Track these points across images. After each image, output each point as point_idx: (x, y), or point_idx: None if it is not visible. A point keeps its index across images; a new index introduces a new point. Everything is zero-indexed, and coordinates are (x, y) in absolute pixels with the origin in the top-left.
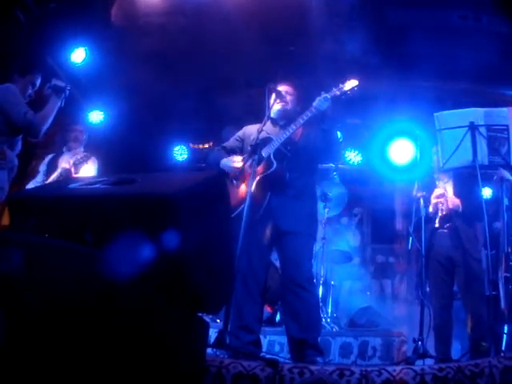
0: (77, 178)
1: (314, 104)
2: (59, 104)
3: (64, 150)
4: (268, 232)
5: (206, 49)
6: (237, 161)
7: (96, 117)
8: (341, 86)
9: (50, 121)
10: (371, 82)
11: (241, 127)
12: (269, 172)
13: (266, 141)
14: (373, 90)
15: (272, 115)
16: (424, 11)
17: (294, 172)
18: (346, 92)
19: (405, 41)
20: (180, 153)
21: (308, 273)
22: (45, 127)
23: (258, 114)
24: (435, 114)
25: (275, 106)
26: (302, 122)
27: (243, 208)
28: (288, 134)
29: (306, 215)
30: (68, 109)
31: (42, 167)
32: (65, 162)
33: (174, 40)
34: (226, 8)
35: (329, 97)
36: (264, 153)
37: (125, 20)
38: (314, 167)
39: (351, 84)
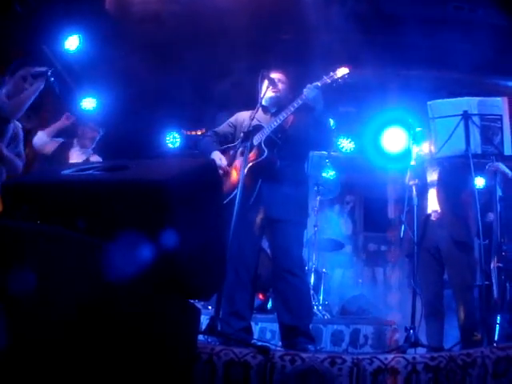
0: (70, 164)
1: (304, 92)
2: (40, 88)
3: (75, 142)
4: (258, 219)
5: (200, 36)
6: (222, 159)
7: (89, 104)
8: (331, 74)
9: (24, 107)
10: (365, 70)
11: (234, 114)
12: (260, 159)
13: (257, 128)
14: (367, 78)
15: (264, 103)
16: (419, 1)
17: (284, 159)
18: (336, 80)
19: (400, 30)
20: (173, 140)
21: (299, 259)
22: (18, 113)
23: (251, 100)
24: (428, 103)
25: (267, 94)
26: (292, 109)
27: (234, 195)
28: (279, 121)
29: (296, 203)
30: (62, 96)
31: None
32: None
33: (168, 27)
34: None
35: (319, 85)
36: (255, 140)
37: (118, 7)
38: (305, 154)
39: (342, 72)
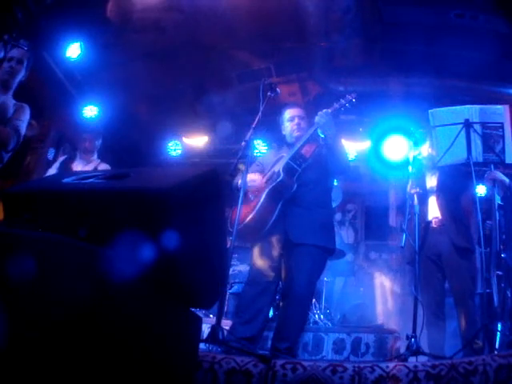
0: (71, 172)
1: (316, 119)
2: None
3: (78, 156)
4: (279, 241)
5: (201, 44)
6: (253, 178)
7: (90, 112)
8: (341, 100)
9: None
10: (367, 78)
11: (234, 122)
12: (275, 183)
13: (280, 159)
14: (368, 86)
15: (288, 140)
16: (421, 9)
17: (305, 185)
18: (344, 105)
19: (401, 38)
20: (174, 148)
21: (306, 287)
22: None
23: (251, 109)
24: (430, 111)
25: (290, 133)
26: (307, 137)
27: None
28: (296, 149)
29: (317, 227)
30: (63, 103)
31: (52, 171)
32: None
33: (169, 35)
34: (222, 4)
35: (330, 111)
36: (276, 167)
37: (120, 15)
38: (328, 180)
39: (350, 97)
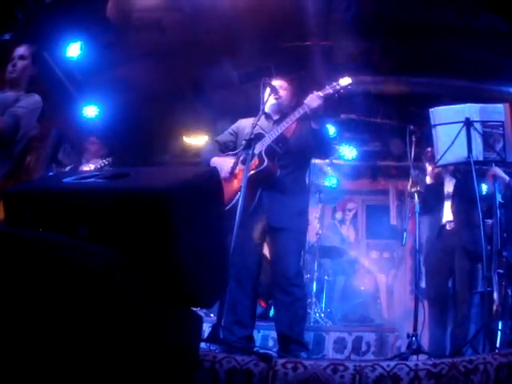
0: (71, 171)
1: (306, 101)
2: None
3: (83, 161)
4: (259, 227)
5: (202, 44)
6: (228, 165)
7: (91, 111)
8: (334, 83)
9: None
10: (367, 77)
11: (235, 121)
12: (260, 169)
13: (259, 136)
14: (369, 85)
15: (266, 110)
16: (421, 7)
17: (284, 168)
18: (339, 90)
19: (402, 37)
20: (174, 147)
21: (296, 267)
22: None
23: (252, 108)
24: (431, 110)
25: (269, 101)
26: (293, 119)
27: (234, 203)
28: (280, 130)
29: (295, 212)
30: (64, 103)
31: None
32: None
33: (169, 35)
34: (222, 3)
35: (321, 94)
36: (256, 149)
37: (120, 15)
38: (306, 163)
39: (344, 82)
